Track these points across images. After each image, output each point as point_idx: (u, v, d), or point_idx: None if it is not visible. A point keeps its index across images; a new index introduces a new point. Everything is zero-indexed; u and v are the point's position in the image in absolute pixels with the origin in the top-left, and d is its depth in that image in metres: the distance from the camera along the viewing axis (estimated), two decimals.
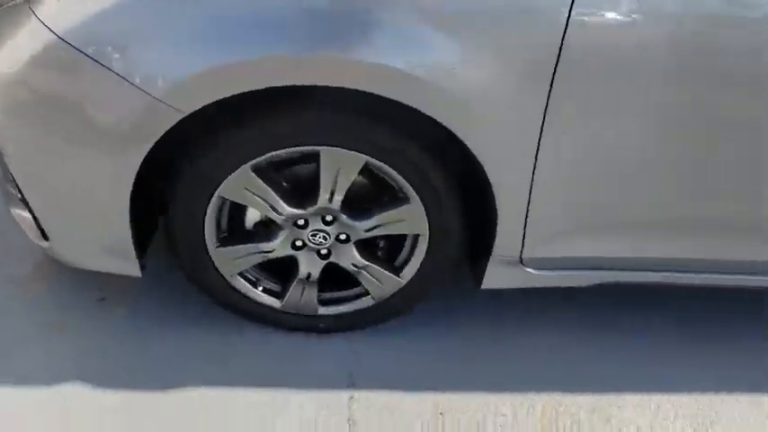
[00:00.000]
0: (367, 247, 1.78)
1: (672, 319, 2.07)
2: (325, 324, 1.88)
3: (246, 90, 1.41)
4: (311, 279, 1.79)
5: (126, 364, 1.80)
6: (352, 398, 1.77)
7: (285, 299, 1.82)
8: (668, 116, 1.50)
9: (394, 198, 1.66)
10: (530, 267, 1.78)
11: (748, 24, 1.43)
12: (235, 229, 1.74)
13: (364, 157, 1.54)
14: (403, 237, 1.77)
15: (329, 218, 1.68)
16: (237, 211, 1.72)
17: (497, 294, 1.88)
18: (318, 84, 1.42)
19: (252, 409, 1.72)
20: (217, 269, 1.75)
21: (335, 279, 1.84)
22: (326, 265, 1.79)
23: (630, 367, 1.92)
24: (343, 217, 1.67)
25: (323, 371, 1.83)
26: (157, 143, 1.49)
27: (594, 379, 1.88)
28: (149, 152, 1.50)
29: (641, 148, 1.55)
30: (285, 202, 1.64)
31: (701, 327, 2.05)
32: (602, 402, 1.83)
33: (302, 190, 1.65)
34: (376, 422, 1.72)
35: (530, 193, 1.58)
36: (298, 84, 1.41)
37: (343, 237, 1.72)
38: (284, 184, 1.65)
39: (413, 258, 1.76)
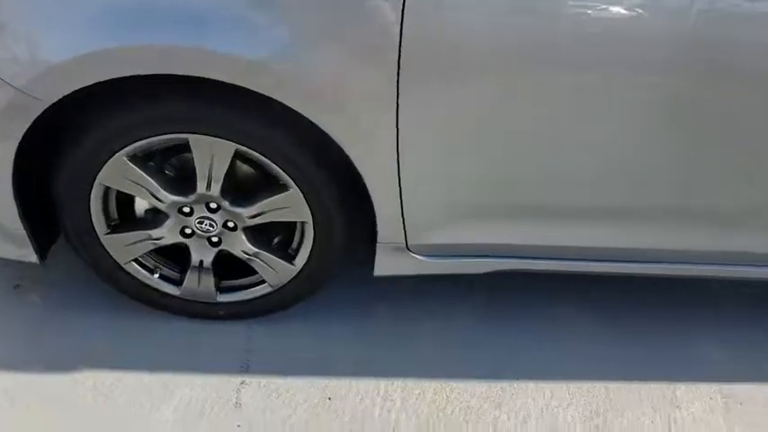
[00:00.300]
0: (261, 234, 1.81)
1: (572, 304, 2.08)
2: (224, 311, 1.92)
3: (106, 79, 1.45)
4: (204, 266, 1.83)
5: (25, 349, 1.86)
6: (243, 382, 1.81)
7: (183, 286, 1.86)
8: (529, 98, 1.50)
9: (275, 185, 1.68)
10: (418, 254, 1.80)
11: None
12: (126, 216, 1.79)
13: (233, 145, 1.57)
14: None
15: (213, 205, 1.71)
16: (128, 197, 1.76)
17: (396, 281, 1.90)
18: (173, 73, 1.44)
19: (142, 394, 1.77)
20: (111, 256, 1.79)
21: (237, 266, 1.87)
22: (224, 252, 1.82)
23: (530, 353, 1.94)
24: (226, 204, 1.70)
25: (219, 357, 1.86)
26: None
27: (491, 365, 1.89)
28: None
29: (511, 132, 1.56)
30: (166, 189, 1.67)
31: (603, 313, 2.05)
32: (495, 389, 1.84)
33: (184, 177, 1.68)
34: (262, 405, 1.76)
35: (399, 180, 1.60)
36: (153, 73, 1.44)
37: (231, 224, 1.75)
38: (167, 171, 1.69)
39: (303, 245, 1.79)
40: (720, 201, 1.71)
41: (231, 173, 1.65)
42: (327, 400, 1.78)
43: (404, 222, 1.70)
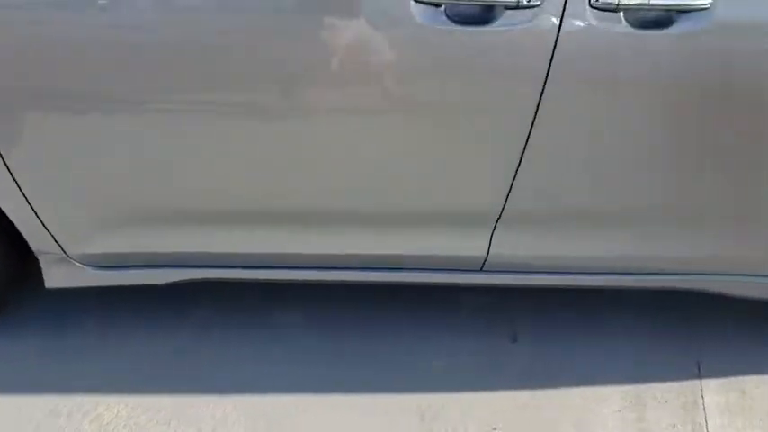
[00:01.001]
0: None
1: (300, 314, 2.05)
2: None
3: None
4: None
5: None
6: None
7: None
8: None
9: None
10: (86, 265, 1.74)
11: None
12: None
13: None
14: None
15: None
16: None
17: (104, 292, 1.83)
18: None
19: None
20: None
21: None
22: None
23: (237, 365, 1.89)
24: None
25: None
26: None
27: (188, 379, 1.84)
28: None
29: (119, 135, 1.49)
30: None
31: (322, 324, 2.03)
32: (179, 402, 1.77)
33: None
34: None
35: (22, 192, 1.54)
36: None
37: None
38: None
39: None
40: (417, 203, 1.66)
41: None
42: None
43: (50, 233, 1.65)
